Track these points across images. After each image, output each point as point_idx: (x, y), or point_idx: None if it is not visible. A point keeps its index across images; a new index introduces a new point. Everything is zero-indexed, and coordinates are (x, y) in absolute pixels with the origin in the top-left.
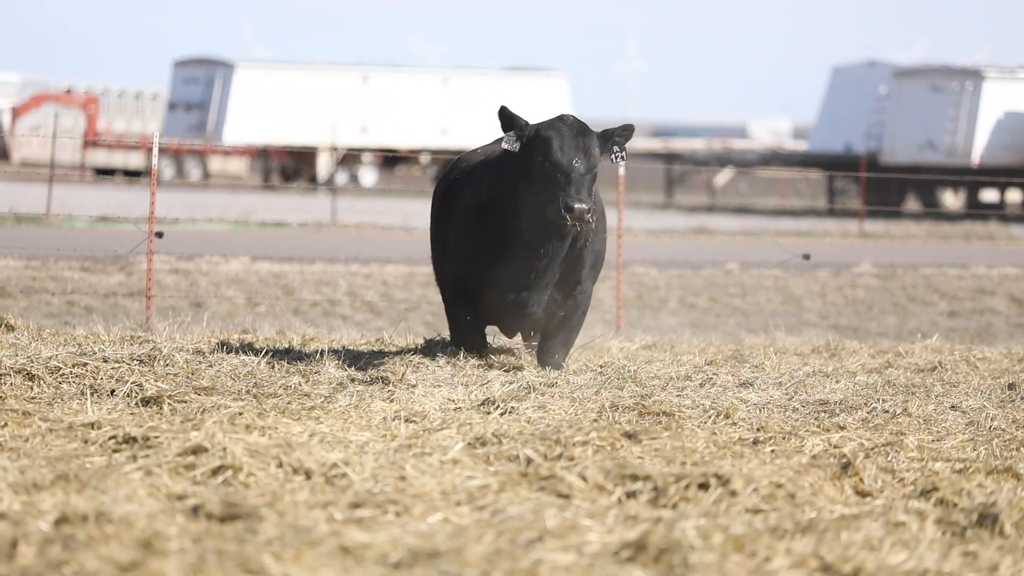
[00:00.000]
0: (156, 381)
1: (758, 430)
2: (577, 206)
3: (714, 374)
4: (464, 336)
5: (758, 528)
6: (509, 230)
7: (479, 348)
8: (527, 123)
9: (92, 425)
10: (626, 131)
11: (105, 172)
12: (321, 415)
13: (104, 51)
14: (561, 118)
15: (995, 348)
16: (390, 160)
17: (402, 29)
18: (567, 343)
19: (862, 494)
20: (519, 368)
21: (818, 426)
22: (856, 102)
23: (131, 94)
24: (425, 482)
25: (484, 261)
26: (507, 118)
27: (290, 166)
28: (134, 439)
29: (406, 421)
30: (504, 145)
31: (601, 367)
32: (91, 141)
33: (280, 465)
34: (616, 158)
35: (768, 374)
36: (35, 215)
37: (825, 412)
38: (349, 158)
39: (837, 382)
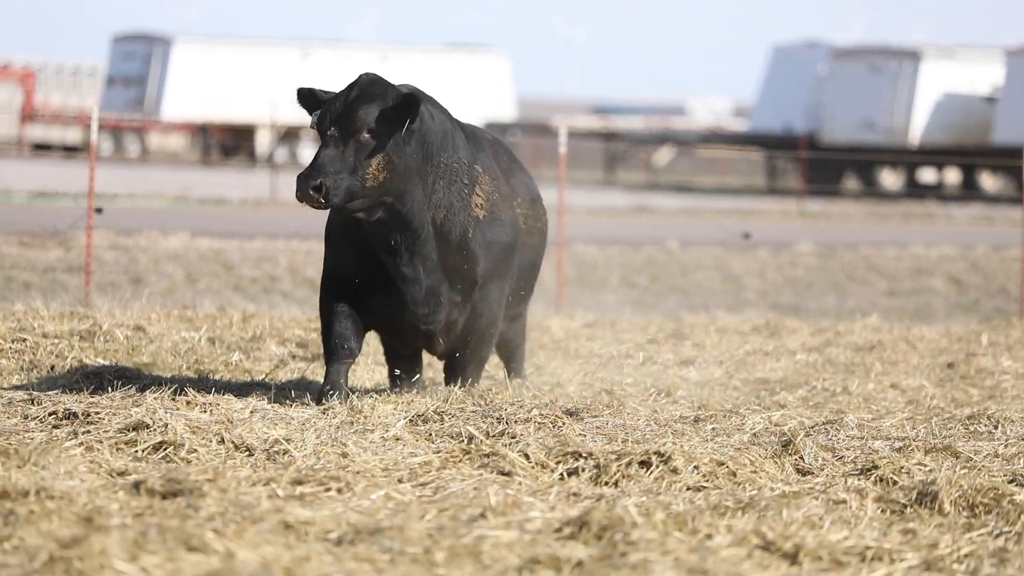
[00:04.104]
0: (96, 357)
1: (699, 408)
2: (300, 181)
3: (655, 352)
4: (333, 337)
5: (699, 505)
6: (358, 221)
7: (344, 353)
8: (331, 93)
9: (32, 401)
10: (411, 106)
11: (43, 147)
12: (262, 391)
13: (42, 25)
14: (356, 80)
15: (933, 327)
16: None
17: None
18: (476, 358)
19: (802, 472)
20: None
21: (759, 404)
22: (796, 82)
23: (69, 69)
24: (367, 459)
25: (351, 257)
26: (306, 97)
27: (229, 142)
28: (75, 415)
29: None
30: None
31: (542, 345)
32: (28, 116)
33: (222, 441)
34: (406, 133)
35: (709, 352)
36: None
37: (765, 390)
38: (289, 134)
39: (777, 360)
